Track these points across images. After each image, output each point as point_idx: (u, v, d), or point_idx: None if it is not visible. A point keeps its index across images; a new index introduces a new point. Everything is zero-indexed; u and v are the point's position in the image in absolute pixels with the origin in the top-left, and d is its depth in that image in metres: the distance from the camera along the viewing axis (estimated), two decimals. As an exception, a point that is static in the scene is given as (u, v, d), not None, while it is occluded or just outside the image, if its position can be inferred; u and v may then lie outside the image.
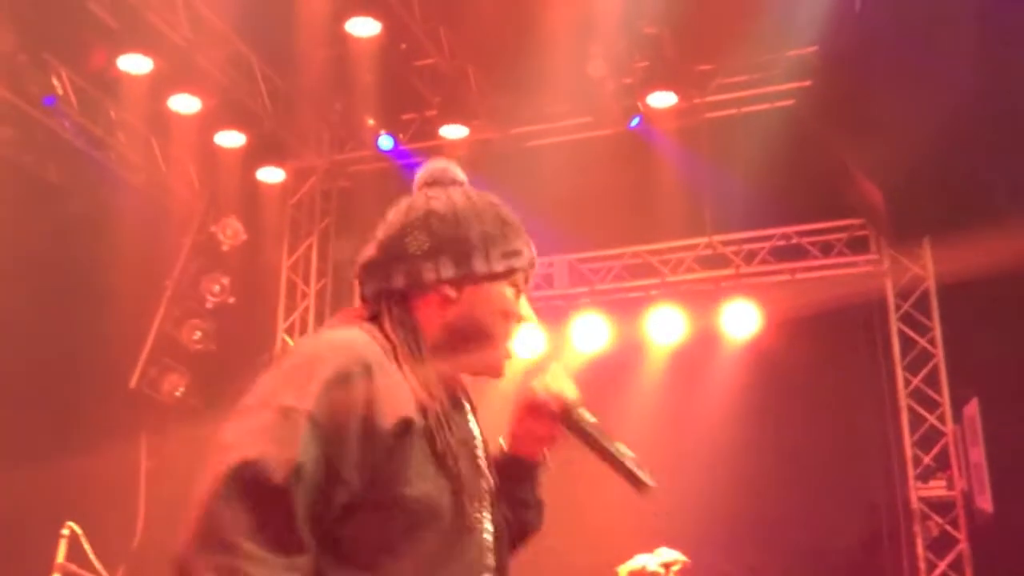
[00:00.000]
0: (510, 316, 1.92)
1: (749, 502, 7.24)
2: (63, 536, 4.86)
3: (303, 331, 9.04)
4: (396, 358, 1.80)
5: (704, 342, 7.96)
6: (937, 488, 7.36)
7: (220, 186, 8.72)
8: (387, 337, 1.82)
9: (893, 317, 7.75)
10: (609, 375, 8.03)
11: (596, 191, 7.61)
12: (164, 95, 7.69)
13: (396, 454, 1.71)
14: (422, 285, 1.86)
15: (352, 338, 1.79)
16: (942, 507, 7.34)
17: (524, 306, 1.95)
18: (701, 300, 8.06)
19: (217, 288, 8.77)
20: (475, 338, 1.89)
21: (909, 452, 7.47)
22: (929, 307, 7.68)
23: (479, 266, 1.87)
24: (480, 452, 1.91)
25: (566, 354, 8.28)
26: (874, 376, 7.66)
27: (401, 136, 8.71)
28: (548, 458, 2.07)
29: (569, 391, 1.98)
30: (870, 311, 7.77)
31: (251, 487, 1.62)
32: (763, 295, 7.84)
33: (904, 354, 7.67)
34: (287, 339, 9.03)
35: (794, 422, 7.43)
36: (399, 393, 1.76)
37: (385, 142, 8.61)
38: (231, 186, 8.68)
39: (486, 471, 1.91)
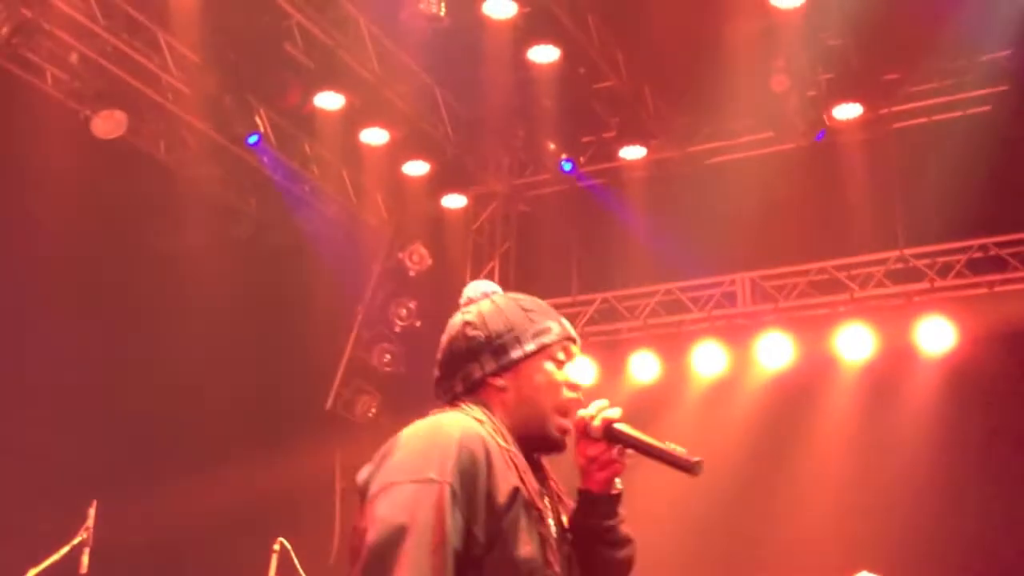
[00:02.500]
0: (555, 386, 2.20)
1: (952, 523, 6.92)
2: (275, 551, 5.09)
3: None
4: (495, 431, 2.11)
5: (896, 359, 7.68)
6: None
7: (407, 214, 9.05)
8: (481, 416, 2.14)
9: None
10: (796, 394, 7.85)
11: (780, 207, 7.48)
12: (355, 129, 8.06)
13: (508, 519, 2.01)
14: (475, 383, 2.20)
15: (463, 419, 2.10)
16: None
17: (571, 371, 2.24)
18: (892, 316, 7.78)
19: (404, 312, 9.07)
20: (531, 415, 2.18)
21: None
22: None
23: (514, 352, 2.20)
24: (551, 518, 2.15)
25: (750, 372, 8.15)
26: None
27: (580, 159, 8.81)
28: (619, 487, 2.23)
29: (610, 410, 2.19)
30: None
31: (409, 552, 1.87)
32: (959, 310, 7.51)
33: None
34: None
35: (996, 440, 7.07)
36: (506, 467, 2.06)
37: (565, 166, 8.73)
38: (417, 213, 9.00)
39: (559, 533, 2.16)
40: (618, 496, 2.23)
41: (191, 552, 7.56)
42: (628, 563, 2.25)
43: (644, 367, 8.45)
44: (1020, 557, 6.73)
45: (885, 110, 7.77)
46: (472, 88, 7.95)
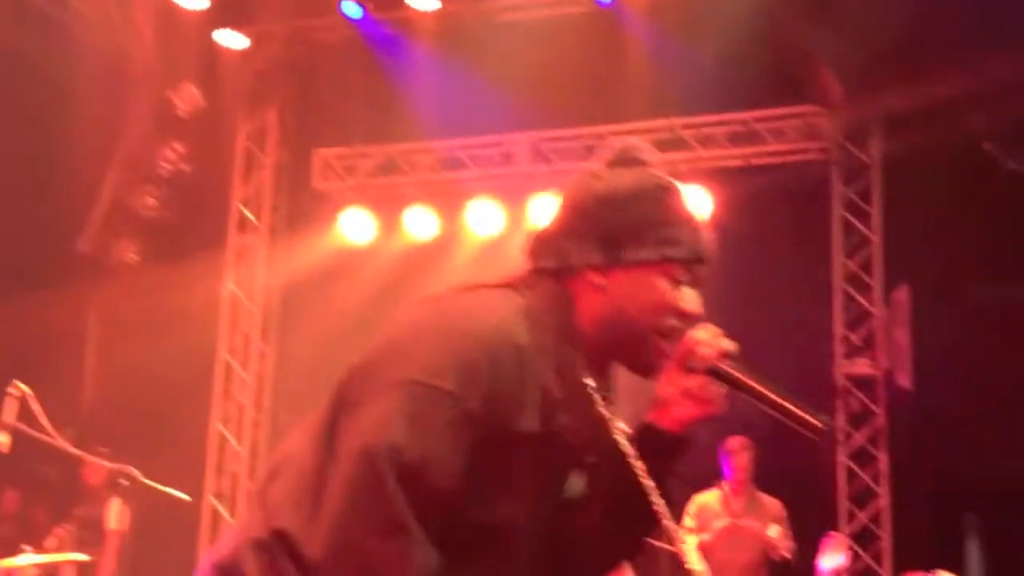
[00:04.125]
0: (662, 308, 1.78)
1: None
2: (11, 395, 4.83)
3: (260, 202, 9.00)
4: (546, 336, 1.75)
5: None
6: (862, 366, 7.75)
7: (179, 50, 8.54)
8: (541, 312, 1.77)
9: (837, 204, 7.98)
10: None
11: (563, 69, 7.59)
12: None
13: (503, 460, 1.69)
14: (570, 269, 1.80)
15: (508, 311, 1.75)
16: (865, 384, 7.75)
17: (689, 299, 1.80)
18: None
19: (172, 155, 8.68)
20: (623, 330, 1.79)
21: (839, 332, 7.83)
22: (871, 196, 7.92)
23: (628, 253, 1.77)
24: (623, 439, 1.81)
25: (523, 233, 8.34)
26: (816, 259, 7.90)
27: (369, 5, 8.52)
28: (692, 433, 1.84)
29: (726, 342, 1.80)
30: (817, 197, 7.95)
31: (405, 473, 1.59)
32: (718, 179, 7.94)
33: (845, 239, 7.96)
34: (243, 210, 9.00)
35: (740, 304, 7.61)
36: (536, 391, 1.72)
37: (352, 10, 8.41)
38: (189, 50, 8.51)
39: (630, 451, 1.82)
40: (688, 438, 1.82)
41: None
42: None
43: (421, 223, 8.51)
44: (748, 407, 7.35)
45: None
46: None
